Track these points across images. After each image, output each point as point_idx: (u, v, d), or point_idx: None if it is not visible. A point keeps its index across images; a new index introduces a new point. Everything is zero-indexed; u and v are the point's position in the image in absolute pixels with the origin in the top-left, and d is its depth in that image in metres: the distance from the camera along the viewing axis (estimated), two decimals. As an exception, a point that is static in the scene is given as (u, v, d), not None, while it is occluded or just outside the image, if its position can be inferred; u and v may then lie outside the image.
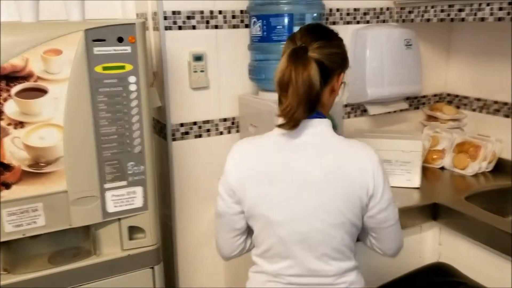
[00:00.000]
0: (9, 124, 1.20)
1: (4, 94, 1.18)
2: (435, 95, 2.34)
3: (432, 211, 1.74)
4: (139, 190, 1.39)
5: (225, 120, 1.84)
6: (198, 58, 1.72)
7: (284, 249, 1.13)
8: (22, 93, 1.20)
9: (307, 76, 1.03)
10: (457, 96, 2.29)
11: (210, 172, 1.85)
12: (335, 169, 1.09)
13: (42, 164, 1.25)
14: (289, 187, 1.09)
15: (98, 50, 1.26)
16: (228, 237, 1.22)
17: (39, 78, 1.21)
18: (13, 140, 1.21)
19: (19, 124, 1.21)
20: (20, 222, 1.25)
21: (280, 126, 1.08)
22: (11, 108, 1.19)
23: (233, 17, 1.77)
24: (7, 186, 1.22)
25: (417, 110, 2.31)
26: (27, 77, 1.19)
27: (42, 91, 1.21)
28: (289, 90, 1.04)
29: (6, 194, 1.23)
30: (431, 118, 2.30)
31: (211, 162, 1.84)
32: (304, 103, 1.04)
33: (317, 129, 1.12)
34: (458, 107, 2.27)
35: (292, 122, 1.05)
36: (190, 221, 1.85)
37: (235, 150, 1.17)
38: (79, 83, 1.25)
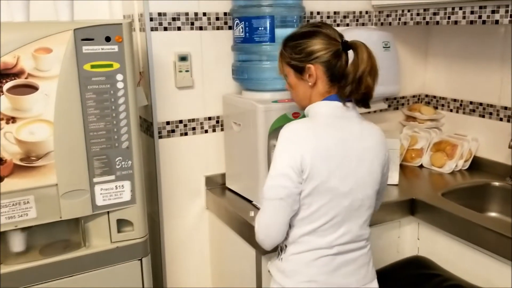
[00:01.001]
0: (1, 119, 1.24)
1: (-4, 90, 1.23)
2: (413, 96, 2.42)
3: (410, 207, 1.81)
4: (127, 184, 1.44)
5: (209, 118, 1.90)
6: (183, 58, 1.78)
7: (342, 218, 1.25)
8: (14, 90, 1.24)
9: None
10: (434, 97, 2.37)
11: (195, 169, 1.90)
12: (374, 143, 1.28)
13: (33, 158, 1.29)
14: (351, 160, 1.23)
15: (86, 48, 1.32)
16: (285, 221, 1.25)
17: (30, 75, 1.25)
18: (5, 135, 1.25)
19: (11, 119, 1.25)
20: (12, 214, 1.30)
21: (363, 105, 1.29)
22: (3, 104, 1.24)
23: (217, 19, 1.83)
24: (0, 179, 1.27)
25: (396, 110, 2.39)
26: (18, 74, 1.24)
27: (33, 88, 1.26)
28: (371, 75, 1.23)
29: (-2, 187, 1.27)
30: (409, 118, 2.38)
31: (196, 159, 1.90)
32: None
33: (353, 111, 1.29)
34: (436, 108, 2.36)
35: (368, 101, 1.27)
36: (177, 217, 1.91)
37: (296, 131, 1.23)
38: (69, 81, 1.30)
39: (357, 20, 2.15)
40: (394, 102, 2.37)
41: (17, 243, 1.39)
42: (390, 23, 2.13)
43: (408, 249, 1.87)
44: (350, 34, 2.04)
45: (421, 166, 2.19)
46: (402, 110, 2.40)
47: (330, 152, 1.21)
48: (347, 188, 1.23)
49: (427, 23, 1.94)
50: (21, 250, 1.39)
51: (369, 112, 2.27)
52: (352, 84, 1.23)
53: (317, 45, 1.24)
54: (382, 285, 1.55)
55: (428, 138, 2.23)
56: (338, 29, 2.06)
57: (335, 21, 2.08)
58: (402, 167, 2.13)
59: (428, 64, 2.39)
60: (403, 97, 2.39)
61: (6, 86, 1.23)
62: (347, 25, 2.12)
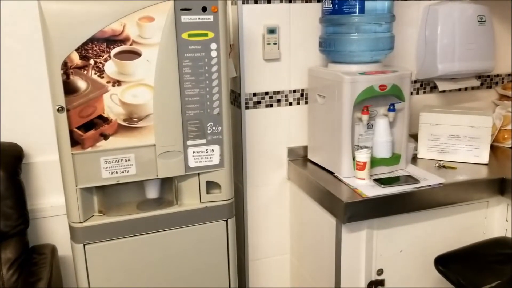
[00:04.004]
0: (108, 82, 1.36)
1: (105, 55, 1.34)
2: (509, 75, 2.29)
3: (500, 186, 1.74)
4: (216, 148, 1.52)
5: (294, 91, 1.93)
6: (271, 31, 1.83)
7: None
8: (120, 55, 1.36)
9: None
10: (532, 75, 2.23)
11: (278, 140, 1.96)
12: None
13: (134, 119, 1.41)
14: None
15: (185, 18, 1.40)
16: None
17: (134, 42, 1.36)
18: (111, 97, 1.37)
19: (117, 83, 1.37)
20: (115, 170, 1.43)
21: None
22: (111, 67, 1.36)
23: (307, -9, 1.85)
24: (105, 137, 1.39)
25: (490, 89, 2.28)
26: (124, 41, 1.35)
27: (136, 54, 1.37)
28: None
29: (104, 144, 1.40)
30: (503, 97, 2.26)
31: (280, 131, 1.95)
32: None
33: None
34: (533, 87, 2.22)
35: None
36: (259, 185, 1.98)
37: None
38: (168, 48, 1.39)
39: (451, -7, 2.06)
40: (487, 80, 2.26)
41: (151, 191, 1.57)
42: (487, -4, 2.03)
43: (495, 231, 1.81)
44: (443, 7, 1.98)
45: (513, 148, 2.09)
46: (496, 88, 2.28)
47: None
48: None
49: (529, -6, 1.83)
50: (155, 197, 1.58)
51: (459, 90, 2.19)
52: None
53: None
54: (466, 263, 1.53)
55: (523, 119, 2.11)
56: (431, 2, 2.02)
57: (427, -7, 2.02)
58: (493, 147, 2.04)
59: (527, 41, 2.25)
60: (497, 75, 2.27)
61: (114, 51, 1.35)
62: (440, -2, 2.04)
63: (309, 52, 1.91)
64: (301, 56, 1.91)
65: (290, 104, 1.95)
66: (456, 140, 1.89)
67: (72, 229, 1.47)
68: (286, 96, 1.93)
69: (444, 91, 2.17)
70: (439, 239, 1.74)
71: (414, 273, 1.76)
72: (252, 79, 1.87)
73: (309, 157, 1.95)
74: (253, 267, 2.07)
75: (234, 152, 1.93)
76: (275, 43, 1.85)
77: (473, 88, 2.22)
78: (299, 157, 1.99)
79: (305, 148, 1.97)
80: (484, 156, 1.87)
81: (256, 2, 1.80)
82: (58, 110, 1.34)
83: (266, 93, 1.90)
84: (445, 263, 1.55)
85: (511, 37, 2.23)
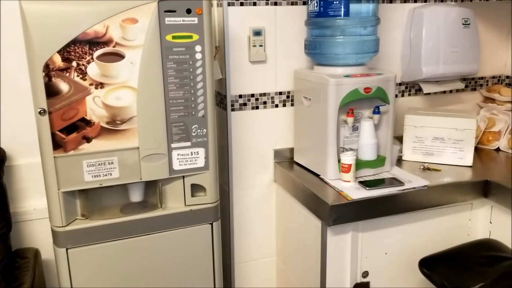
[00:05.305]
0: (91, 84, 1.35)
1: (88, 57, 1.33)
2: (493, 77, 2.31)
3: (483, 188, 1.76)
4: (201, 151, 1.52)
5: (280, 93, 1.93)
6: (257, 33, 1.82)
7: None
8: (103, 57, 1.34)
9: None
10: (516, 78, 2.26)
11: (265, 142, 1.95)
12: None
13: (118, 122, 1.39)
14: None
15: (169, 20, 1.39)
16: None
17: (117, 44, 1.35)
18: (94, 99, 1.36)
19: (100, 85, 1.36)
20: (98, 173, 1.41)
21: None
22: (93, 70, 1.34)
23: (292, -6, 1.85)
24: (88, 139, 1.38)
25: (474, 91, 2.30)
26: (107, 43, 1.34)
27: (119, 56, 1.36)
28: None
29: (87, 147, 1.38)
30: (488, 99, 2.28)
31: (266, 133, 1.94)
32: None
33: None
34: (517, 89, 2.24)
35: None
36: (245, 187, 1.97)
37: None
38: (152, 50, 1.38)
39: (436, -4, 2.08)
40: (472, 83, 2.28)
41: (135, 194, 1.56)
42: (471, -1, 2.05)
43: (479, 233, 1.82)
44: (428, 10, 1.99)
45: (498, 150, 2.10)
46: (480, 91, 2.30)
47: None
48: None
49: (513, -2, 1.85)
50: (139, 200, 1.57)
51: (444, 92, 2.21)
52: None
53: None
54: (450, 265, 1.54)
55: (506, 121, 2.13)
56: (416, 5, 2.03)
57: (412, -4, 2.03)
58: (477, 150, 2.06)
59: (511, 43, 2.27)
60: (481, 78, 2.29)
61: (97, 53, 1.33)
62: (425, 1, 2.05)
63: (295, 54, 1.91)
64: (287, 58, 1.90)
65: (276, 106, 1.94)
66: (441, 142, 1.91)
67: (54, 233, 1.45)
68: (272, 98, 1.93)
69: (429, 94, 2.19)
70: (424, 241, 1.75)
71: (399, 275, 1.77)
72: (238, 81, 1.86)
73: (295, 159, 1.95)
74: (240, 270, 2.07)
75: (220, 154, 1.92)
76: (261, 45, 1.84)
77: (457, 90, 2.23)
78: (286, 159, 1.99)
79: (292, 150, 1.97)
80: (468, 158, 1.89)
81: (241, 4, 1.79)
82: (40, 112, 1.32)
83: (252, 95, 1.90)
84: (429, 265, 1.56)
85: (496, 40, 2.25)
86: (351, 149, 1.76)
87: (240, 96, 1.88)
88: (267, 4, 1.82)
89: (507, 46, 2.28)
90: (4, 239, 1.68)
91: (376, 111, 1.72)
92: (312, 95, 1.74)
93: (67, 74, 1.32)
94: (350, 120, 1.70)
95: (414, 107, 2.12)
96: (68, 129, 1.36)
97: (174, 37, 1.40)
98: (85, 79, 1.34)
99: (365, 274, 1.71)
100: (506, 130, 2.11)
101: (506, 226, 1.73)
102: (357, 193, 1.59)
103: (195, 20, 1.42)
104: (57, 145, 1.36)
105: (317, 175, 1.77)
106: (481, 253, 1.63)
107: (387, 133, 1.77)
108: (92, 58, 1.33)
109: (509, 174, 1.80)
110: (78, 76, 1.33)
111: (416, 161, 1.93)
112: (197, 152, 1.51)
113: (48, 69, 1.30)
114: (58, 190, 1.40)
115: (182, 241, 1.56)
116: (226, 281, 2.04)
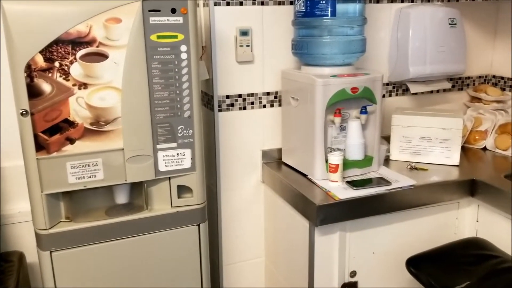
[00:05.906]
0: (74, 85, 1.33)
1: (71, 58, 1.31)
2: (479, 77, 2.33)
3: (470, 188, 1.76)
4: (187, 152, 1.50)
5: (268, 94, 1.92)
6: (244, 33, 1.81)
7: None
8: (86, 57, 1.32)
9: None
10: (502, 78, 2.27)
11: (252, 143, 1.94)
12: None
13: (102, 123, 1.37)
14: None
15: (153, 19, 1.37)
16: None
17: (101, 44, 1.33)
18: (77, 100, 1.34)
19: (83, 85, 1.34)
20: (82, 175, 1.39)
21: None
22: (76, 70, 1.32)
23: (279, -6, 1.84)
24: (72, 141, 1.36)
25: (461, 91, 2.31)
26: (90, 43, 1.32)
27: (103, 56, 1.34)
28: None
29: (70, 148, 1.36)
30: (474, 99, 2.29)
31: (253, 133, 1.93)
32: None
33: None
34: (503, 89, 2.26)
35: None
36: (233, 188, 1.96)
37: None
38: (136, 50, 1.36)
39: (422, -4, 2.08)
40: (458, 83, 2.29)
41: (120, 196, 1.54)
42: (457, -1, 2.05)
43: (466, 231, 1.83)
44: (415, 10, 2.00)
45: (484, 149, 2.11)
46: (467, 91, 2.31)
47: None
48: None
49: (498, -2, 1.86)
50: (124, 202, 1.54)
51: (431, 92, 2.21)
52: None
53: None
54: (437, 264, 1.54)
55: (493, 120, 2.14)
56: (402, 5, 2.04)
57: (398, -4, 2.03)
58: (464, 149, 2.07)
59: (496, 43, 2.29)
60: (468, 78, 2.30)
61: (79, 53, 1.31)
62: (412, 1, 2.06)
63: (282, 54, 1.90)
64: (275, 58, 1.90)
65: (264, 106, 1.93)
66: (428, 142, 1.91)
67: (38, 236, 1.43)
68: (260, 98, 1.92)
69: (416, 94, 2.19)
70: (411, 240, 1.75)
71: (387, 274, 1.77)
72: (225, 81, 1.85)
73: (283, 159, 1.94)
74: (228, 271, 2.05)
75: (207, 155, 1.91)
76: (248, 45, 1.83)
77: (444, 90, 2.24)
78: (274, 160, 1.98)
79: (280, 150, 1.97)
80: (455, 157, 1.89)
81: (228, 4, 1.78)
82: (22, 114, 1.30)
83: (240, 96, 1.89)
84: (417, 264, 1.56)
85: (482, 40, 2.27)
86: (338, 149, 1.75)
87: (228, 97, 1.86)
88: (253, 4, 1.81)
89: (493, 46, 2.30)
90: (-12, 242, 1.66)
91: (363, 111, 1.72)
92: (300, 95, 1.73)
93: (50, 75, 1.30)
94: (337, 120, 1.69)
95: (401, 107, 2.13)
96: (51, 131, 1.34)
97: (158, 37, 1.39)
98: (68, 80, 1.32)
99: (353, 273, 1.70)
100: (492, 130, 2.12)
101: (492, 225, 1.73)
102: (345, 193, 1.59)
103: (180, 19, 1.40)
104: (40, 146, 1.34)
105: (305, 176, 1.77)
106: (468, 251, 1.63)
107: (374, 133, 1.76)
108: (75, 58, 1.31)
109: (496, 173, 1.81)
110: (61, 76, 1.31)
111: (404, 161, 1.93)
112: (183, 153, 1.49)
113: (30, 70, 1.28)
114: (42, 192, 1.38)
115: (168, 243, 1.54)
116: (214, 282, 2.03)
